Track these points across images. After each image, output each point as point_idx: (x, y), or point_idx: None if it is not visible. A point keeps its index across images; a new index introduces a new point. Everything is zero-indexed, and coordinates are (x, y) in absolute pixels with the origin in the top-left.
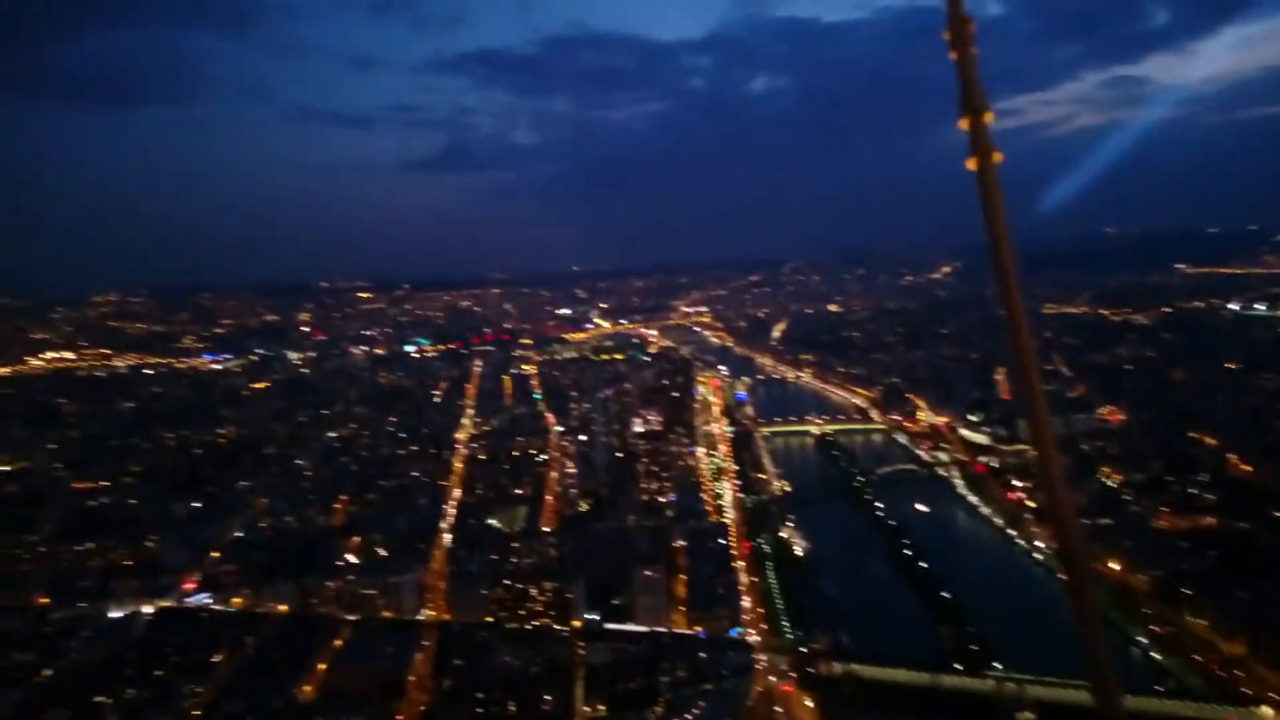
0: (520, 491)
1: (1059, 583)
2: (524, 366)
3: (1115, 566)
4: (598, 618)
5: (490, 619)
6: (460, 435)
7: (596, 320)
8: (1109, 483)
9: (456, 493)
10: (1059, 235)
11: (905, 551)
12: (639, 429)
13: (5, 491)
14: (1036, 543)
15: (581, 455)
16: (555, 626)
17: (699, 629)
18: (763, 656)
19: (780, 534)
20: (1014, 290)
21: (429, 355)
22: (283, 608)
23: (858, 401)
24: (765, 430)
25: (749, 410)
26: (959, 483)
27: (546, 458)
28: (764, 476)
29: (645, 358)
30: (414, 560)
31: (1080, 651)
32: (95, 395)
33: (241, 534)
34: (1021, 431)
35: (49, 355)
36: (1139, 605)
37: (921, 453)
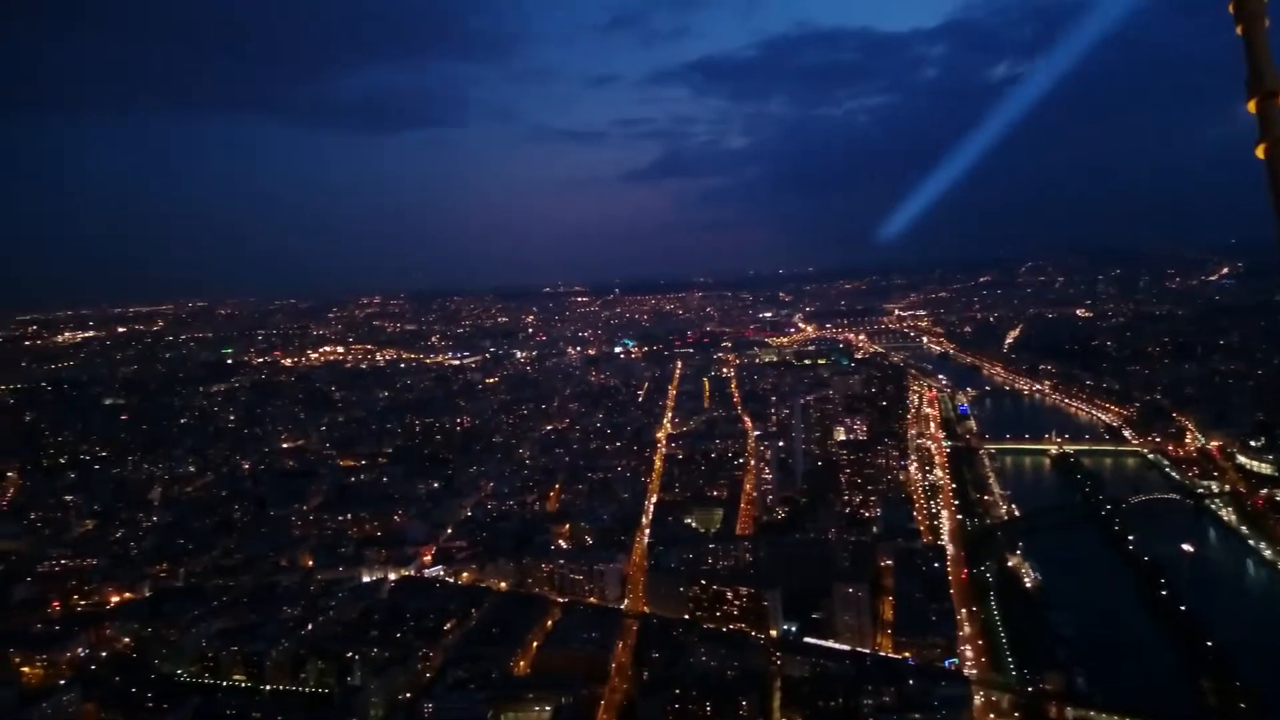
0: (716, 494)
1: None
2: (723, 369)
3: None
4: (794, 629)
5: (686, 616)
6: (660, 434)
7: (800, 324)
8: None
9: (655, 490)
10: None
11: (1161, 591)
12: (842, 437)
13: (286, 466)
14: None
15: (779, 462)
16: (751, 633)
17: (907, 655)
18: (981, 692)
19: (1007, 562)
20: None
21: (634, 356)
22: (503, 584)
23: (1108, 419)
24: (991, 447)
25: (972, 424)
26: (1232, 517)
27: (743, 462)
28: (989, 498)
29: (851, 364)
30: (617, 551)
31: None
32: (359, 385)
33: (470, 513)
34: None
35: (325, 349)
36: None
37: (1186, 481)
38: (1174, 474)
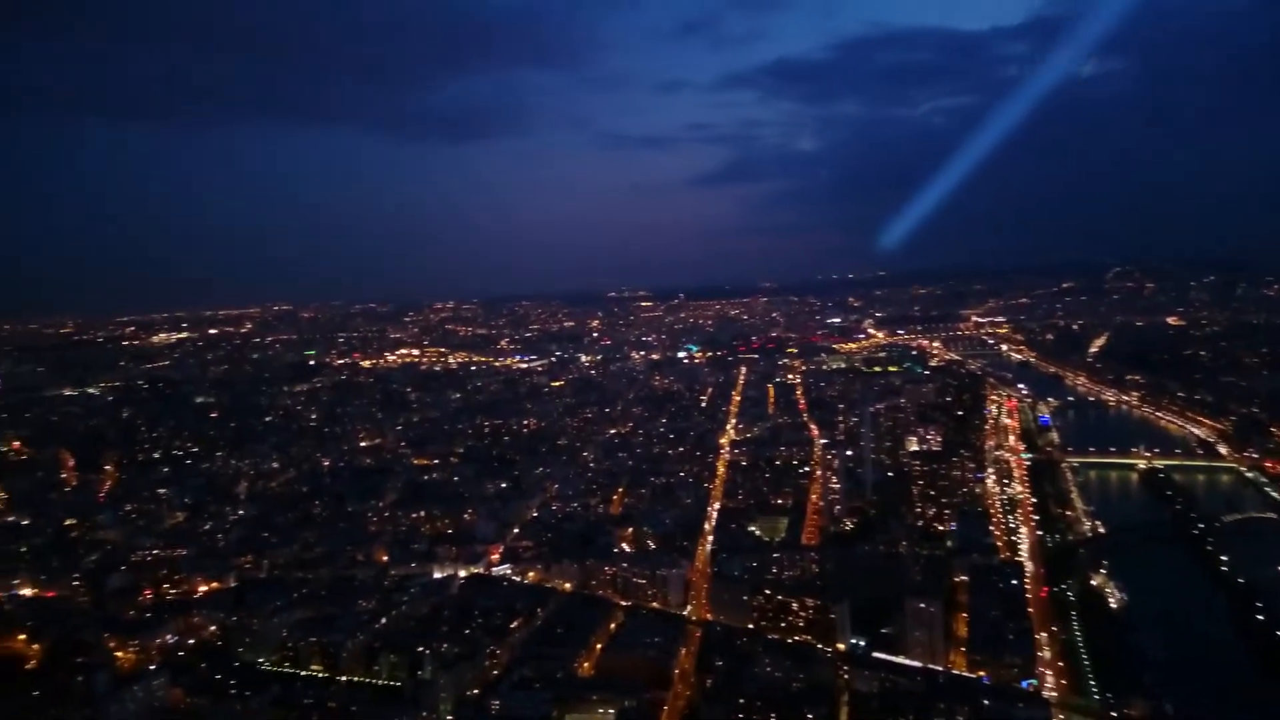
0: (781, 502)
1: None
2: (789, 376)
3: None
4: (863, 643)
5: (750, 625)
6: (724, 440)
7: (870, 329)
8: None
9: (718, 496)
10: None
11: (1257, 615)
12: (914, 448)
13: (363, 464)
14: None
15: (847, 471)
16: (817, 645)
17: (982, 674)
18: (1061, 715)
19: (1090, 581)
20: None
21: (698, 361)
22: (567, 585)
23: (1200, 433)
24: (1074, 460)
25: (1054, 436)
26: None
27: (809, 470)
28: (1071, 513)
29: (924, 371)
30: (679, 556)
31: None
32: (433, 387)
33: (537, 514)
34: None
35: (401, 352)
36: None
37: None
38: (1273, 492)
